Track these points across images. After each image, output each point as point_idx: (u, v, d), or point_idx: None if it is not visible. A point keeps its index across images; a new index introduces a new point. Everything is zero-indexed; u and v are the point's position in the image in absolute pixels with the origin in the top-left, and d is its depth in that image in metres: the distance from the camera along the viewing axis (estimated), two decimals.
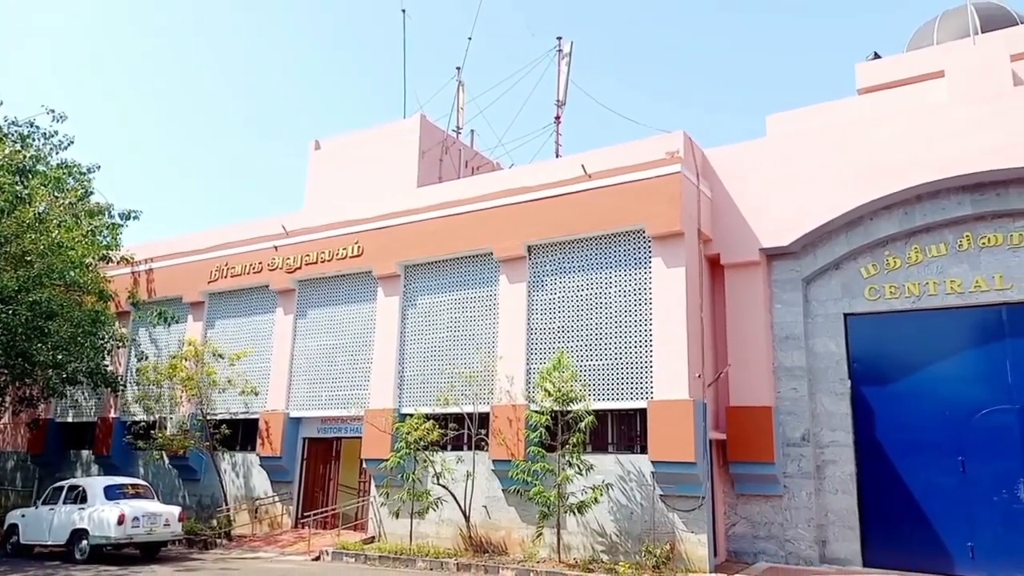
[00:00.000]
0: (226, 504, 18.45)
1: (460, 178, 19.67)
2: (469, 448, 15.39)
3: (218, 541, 17.19)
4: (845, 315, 14.47)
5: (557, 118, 20.42)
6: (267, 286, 19.50)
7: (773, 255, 15.02)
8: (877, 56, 15.90)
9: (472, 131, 21.86)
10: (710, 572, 12.74)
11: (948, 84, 14.05)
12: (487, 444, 15.20)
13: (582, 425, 13.51)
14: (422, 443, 14.87)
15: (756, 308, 14.75)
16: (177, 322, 20.93)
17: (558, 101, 20.53)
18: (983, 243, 13.47)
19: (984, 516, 12.75)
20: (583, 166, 15.14)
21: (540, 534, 14.00)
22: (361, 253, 17.94)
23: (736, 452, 14.25)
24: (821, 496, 13.95)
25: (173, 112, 60.94)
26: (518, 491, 14.09)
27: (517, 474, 14.04)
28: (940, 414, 13.39)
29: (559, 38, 20.81)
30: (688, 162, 14.56)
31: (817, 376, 14.45)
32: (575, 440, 13.54)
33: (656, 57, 57.02)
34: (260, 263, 19.59)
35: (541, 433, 14.04)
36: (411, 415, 15.68)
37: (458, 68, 21.87)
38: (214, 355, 18.93)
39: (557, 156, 19.83)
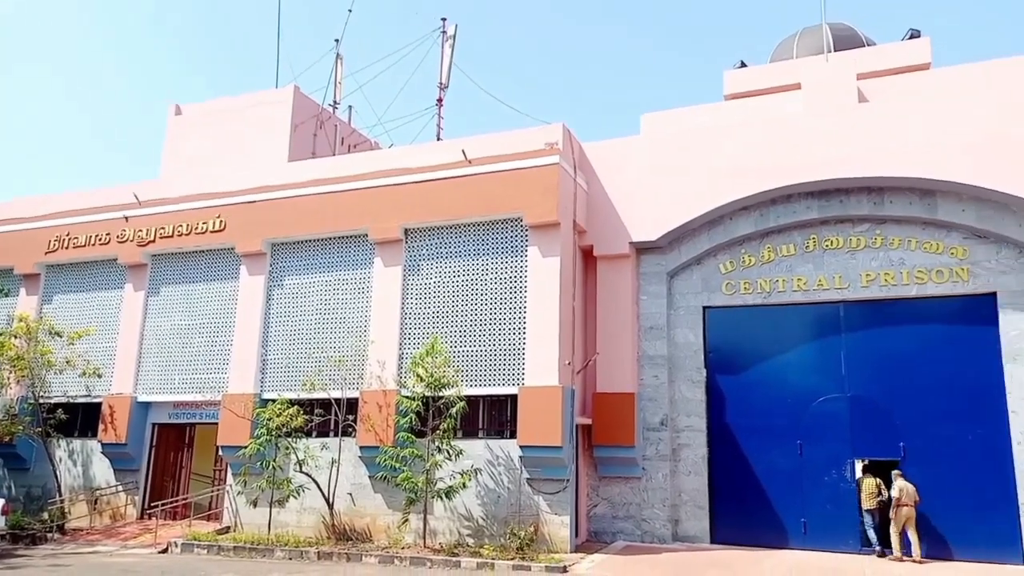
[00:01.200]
0: (60, 495, 16.83)
1: (336, 155, 18.95)
2: (336, 434, 14.93)
3: (49, 536, 15.66)
4: (704, 308, 15.32)
5: (439, 101, 20.16)
6: (115, 259, 17.92)
7: (642, 249, 15.62)
8: (743, 65, 16.88)
9: (350, 107, 21.15)
10: (571, 552, 13.14)
11: (804, 96, 15.16)
12: (355, 430, 14.82)
13: (454, 411, 13.47)
14: (285, 429, 14.26)
15: (624, 299, 15.30)
16: (7, 295, 18.80)
17: (440, 83, 20.26)
18: (827, 245, 14.67)
19: (816, 494, 13.97)
20: (463, 151, 15.01)
21: (406, 520, 13.85)
22: (223, 228, 16.87)
23: (600, 436, 14.75)
24: (676, 477, 14.75)
25: (37, 68, 54.48)
26: (385, 477, 13.85)
27: (385, 460, 13.79)
28: (783, 401, 14.51)
29: (443, 19, 20.54)
30: (566, 154, 14.81)
31: (677, 365, 15.21)
32: (446, 426, 13.48)
33: (538, 49, 57.77)
34: (108, 234, 17.94)
35: (411, 419, 13.87)
36: (274, 400, 14.98)
37: (336, 40, 21.08)
38: (50, 333, 17.16)
39: (438, 139, 19.61)
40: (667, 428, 14.87)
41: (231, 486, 15.74)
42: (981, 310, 13.52)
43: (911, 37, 15.47)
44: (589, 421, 14.91)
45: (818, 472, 14.03)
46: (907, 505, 12.77)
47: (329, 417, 15.08)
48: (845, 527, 13.68)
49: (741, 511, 14.40)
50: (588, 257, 15.78)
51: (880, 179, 13.86)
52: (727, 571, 12.05)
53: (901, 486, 12.94)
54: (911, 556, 12.71)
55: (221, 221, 16.90)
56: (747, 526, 14.24)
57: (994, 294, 13.40)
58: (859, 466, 14.38)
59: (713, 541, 14.30)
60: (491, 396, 14.41)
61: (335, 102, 20.32)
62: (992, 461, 13.00)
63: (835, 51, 16.07)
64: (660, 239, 15.19)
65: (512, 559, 12.51)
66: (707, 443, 14.79)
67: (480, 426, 14.58)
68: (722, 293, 15.23)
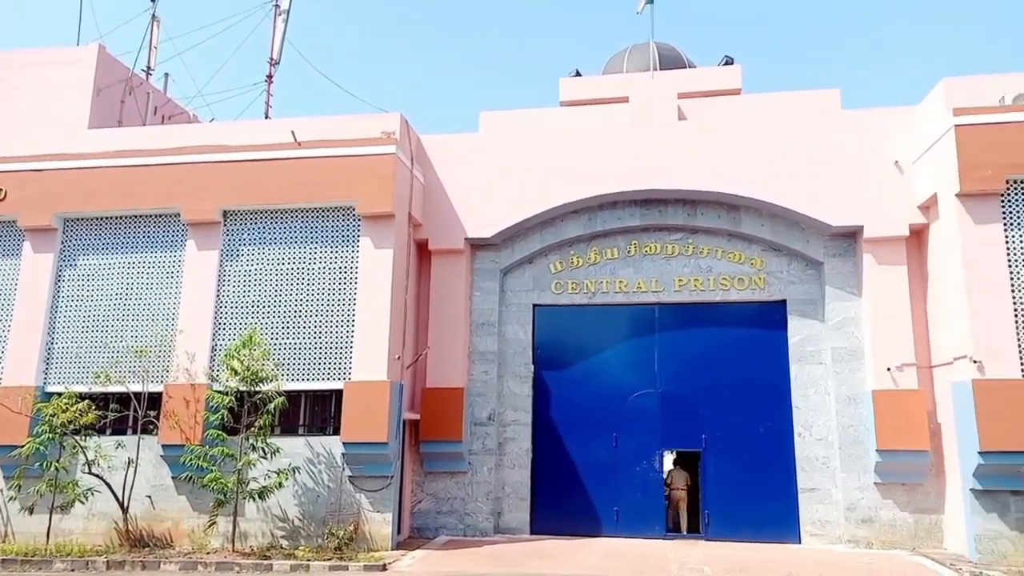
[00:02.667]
0: None
1: (147, 125, 17.20)
2: (135, 432, 13.52)
3: None
4: (534, 306, 15.71)
5: (269, 77, 19.01)
6: None
7: (477, 245, 15.70)
8: (578, 74, 17.53)
9: (166, 75, 19.27)
10: (392, 549, 12.87)
11: (631, 109, 16.02)
12: (157, 428, 13.51)
13: (271, 406, 12.70)
14: (72, 427, 12.68)
15: (458, 295, 15.28)
16: None
17: (271, 59, 19.10)
18: (646, 251, 15.60)
19: (628, 484, 14.81)
20: (293, 132, 14.23)
21: (213, 523, 12.84)
22: (4, 197, 14.71)
23: (428, 431, 14.61)
24: (500, 471, 14.96)
25: None
26: (191, 478, 12.76)
27: (191, 459, 12.71)
28: (602, 396, 15.23)
29: None
30: (404, 145, 14.53)
31: (506, 360, 15.46)
32: (262, 422, 12.67)
33: (378, 35, 56.61)
34: None
35: (223, 415, 12.91)
36: (60, 394, 13.27)
37: (153, 0, 19.11)
38: None
39: (267, 118, 18.44)
40: (494, 423, 15.05)
41: (3, 491, 13.73)
42: (774, 315, 15.04)
43: (726, 63, 16.89)
44: (417, 416, 14.71)
45: (630, 463, 14.88)
46: (678, 489, 14.81)
47: (127, 413, 13.63)
48: (652, 514, 14.61)
49: (560, 502, 14.91)
50: (423, 251, 15.59)
51: (694, 192, 14.98)
52: (545, 560, 12.39)
53: (673, 474, 15.00)
54: (703, 535, 14.21)
55: (1, 190, 14.72)
56: (565, 516, 14.77)
57: (784, 302, 14.95)
58: (669, 458, 15.50)
59: (533, 532, 14.68)
60: (314, 391, 13.77)
61: (149, 67, 18.45)
62: (778, 451, 14.47)
63: (660, 69, 17.17)
64: (495, 236, 15.36)
65: (329, 559, 12.00)
66: (532, 437, 15.16)
67: (301, 422, 13.88)
68: (551, 292, 15.70)
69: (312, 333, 13.79)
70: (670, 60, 18.05)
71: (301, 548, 12.62)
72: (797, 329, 14.74)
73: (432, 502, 14.76)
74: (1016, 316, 12.23)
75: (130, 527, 13.05)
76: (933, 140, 13.34)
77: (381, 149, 14.00)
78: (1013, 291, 12.33)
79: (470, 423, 14.96)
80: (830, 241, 14.69)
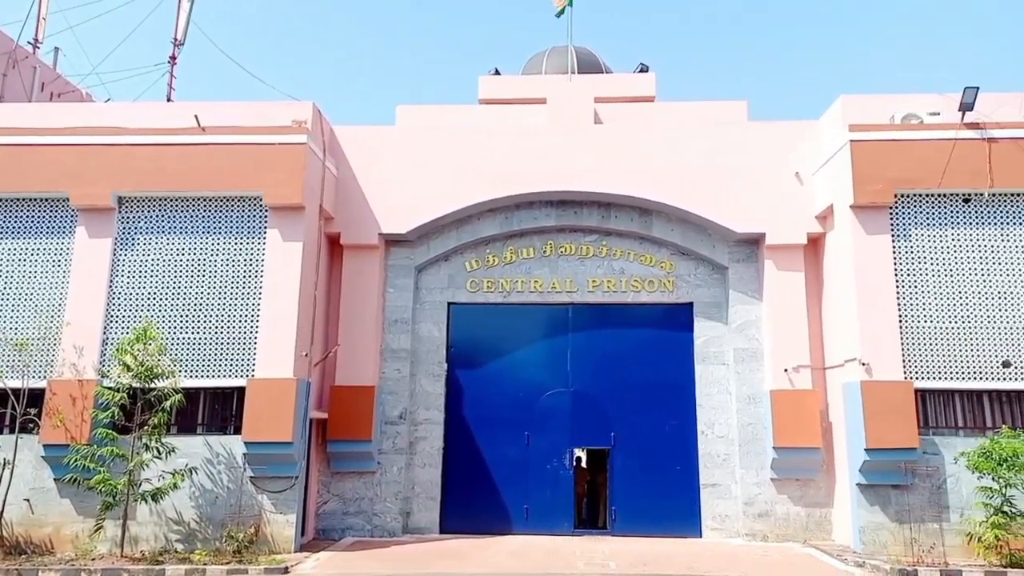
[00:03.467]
0: None
1: (33, 101, 15.99)
2: (12, 431, 12.53)
3: None
4: (449, 303, 15.58)
5: (173, 58, 18.03)
6: None
7: (391, 241, 15.43)
8: (497, 73, 17.53)
9: (56, 49, 17.96)
10: (295, 552, 12.46)
11: (549, 111, 16.14)
12: (38, 426, 12.57)
13: (167, 404, 12.05)
14: None
15: (371, 291, 14.96)
16: None
17: (175, 39, 18.12)
18: (561, 251, 15.75)
19: (539, 481, 14.91)
20: (196, 117, 13.55)
21: (100, 527, 12.07)
22: None
23: (336, 430, 14.23)
24: (411, 470, 14.75)
25: None
26: (76, 480, 11.95)
27: (76, 460, 11.90)
28: (516, 395, 15.27)
29: None
30: (316, 135, 14.10)
31: (420, 358, 15.26)
32: (157, 421, 12.01)
33: (292, 25, 54.90)
34: None
35: (114, 413, 12.16)
36: None
37: None
38: None
39: (169, 100, 17.49)
40: (406, 421, 14.83)
41: None
42: (681, 317, 15.49)
43: (641, 71, 17.29)
44: (325, 415, 14.31)
45: (541, 461, 14.99)
46: (580, 484, 15.06)
47: (4, 411, 12.62)
48: (562, 511, 14.77)
49: (471, 501, 14.85)
50: (334, 245, 15.18)
51: (608, 195, 15.24)
52: (454, 559, 12.30)
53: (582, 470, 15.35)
54: (610, 531, 14.61)
55: None
56: (476, 515, 14.72)
57: (691, 304, 15.43)
58: (583, 455, 15.73)
59: (443, 531, 14.55)
60: (215, 388, 13.17)
61: (36, 40, 17.13)
62: (682, 448, 14.91)
63: (579, 73, 17.39)
64: (410, 233, 15.13)
65: (228, 563, 11.48)
66: (444, 435, 15.03)
67: (200, 421, 13.25)
68: (466, 290, 15.61)
69: (214, 327, 13.18)
70: (588, 64, 18.32)
71: (198, 552, 12.03)
72: (702, 331, 15.25)
73: (339, 503, 14.39)
74: (901, 322, 13.06)
75: (5, 533, 12.09)
76: (831, 153, 14.08)
77: (291, 138, 13.53)
78: (899, 299, 13.16)
79: (381, 422, 14.68)
80: (735, 247, 15.27)
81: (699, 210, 14.89)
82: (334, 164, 14.97)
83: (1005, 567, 11.36)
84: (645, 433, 15.01)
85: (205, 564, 11.41)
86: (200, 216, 13.62)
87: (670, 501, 14.69)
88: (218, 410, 13.28)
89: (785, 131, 15.19)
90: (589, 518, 15.41)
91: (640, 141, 15.30)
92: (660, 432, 15.04)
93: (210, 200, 13.65)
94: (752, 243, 15.20)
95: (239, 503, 12.58)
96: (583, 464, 15.72)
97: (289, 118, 13.80)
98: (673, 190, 14.96)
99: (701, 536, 14.38)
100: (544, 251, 15.74)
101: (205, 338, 13.14)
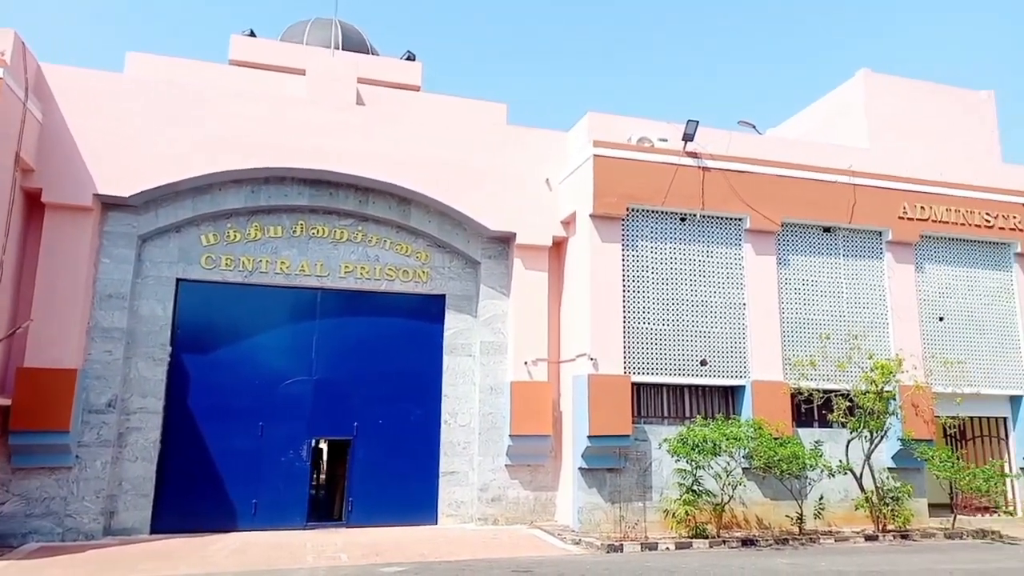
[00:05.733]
0: None
1: None
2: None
3: None
4: (178, 280, 14.03)
5: None
6: None
7: (109, 204, 13.51)
8: (253, 34, 16.22)
9: None
10: None
11: (308, 84, 15.29)
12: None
13: None
14: None
15: (79, 259, 12.93)
16: None
17: None
18: (313, 233, 15.00)
19: (272, 474, 14.03)
20: None
21: None
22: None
23: (22, 420, 12.06)
24: (119, 465, 13.03)
25: None
26: None
27: None
28: (251, 383, 14.22)
29: None
30: (16, 70, 11.88)
31: (137, 339, 13.54)
32: None
33: None
34: None
35: None
36: None
37: None
38: None
39: None
40: (115, 410, 13.05)
41: None
42: (433, 308, 15.60)
43: (408, 58, 17.13)
44: (8, 402, 12.06)
45: (276, 453, 14.14)
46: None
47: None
48: (294, 504, 14.06)
49: (191, 497, 13.51)
50: (33, 202, 12.89)
51: (366, 180, 14.83)
52: (165, 561, 11.04)
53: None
54: (345, 523, 14.27)
55: None
56: (195, 512, 13.43)
57: (444, 296, 15.61)
58: (326, 446, 15.09)
59: (154, 532, 13.04)
60: None
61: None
62: (426, 438, 15.00)
63: (343, 49, 16.73)
64: (134, 197, 13.36)
65: None
66: (163, 426, 13.50)
67: None
68: (200, 266, 14.19)
69: None
70: (354, 42, 17.73)
71: None
72: (452, 322, 15.50)
73: (21, 504, 12.23)
74: (624, 322, 14.41)
75: None
76: (576, 164, 15.12)
77: None
78: (624, 301, 14.51)
79: (82, 410, 12.76)
80: (487, 243, 15.74)
81: (456, 204, 15.11)
82: (39, 107, 12.71)
83: (691, 538, 13.06)
84: (389, 423, 14.87)
85: None
86: None
87: (409, 490, 14.71)
88: None
89: (539, 138, 16.00)
90: (325, 511, 14.86)
91: (403, 129, 15.11)
92: (405, 422, 14.99)
93: None
94: (504, 241, 15.79)
95: None
96: (324, 456, 15.12)
97: None
98: (433, 182, 15.00)
99: (437, 523, 14.60)
100: (294, 231, 14.87)
101: None
